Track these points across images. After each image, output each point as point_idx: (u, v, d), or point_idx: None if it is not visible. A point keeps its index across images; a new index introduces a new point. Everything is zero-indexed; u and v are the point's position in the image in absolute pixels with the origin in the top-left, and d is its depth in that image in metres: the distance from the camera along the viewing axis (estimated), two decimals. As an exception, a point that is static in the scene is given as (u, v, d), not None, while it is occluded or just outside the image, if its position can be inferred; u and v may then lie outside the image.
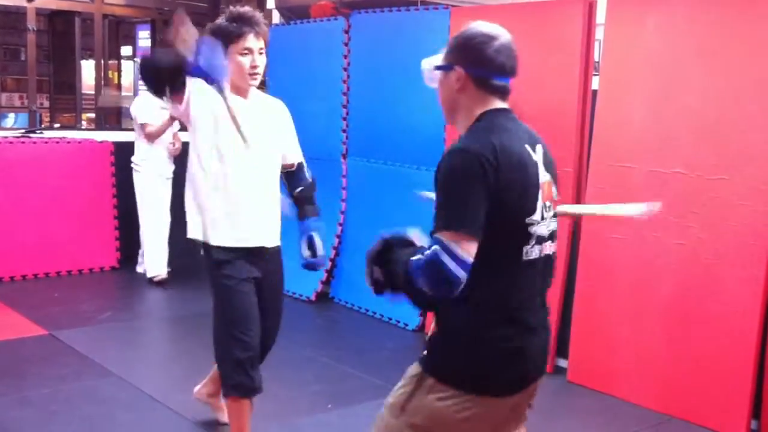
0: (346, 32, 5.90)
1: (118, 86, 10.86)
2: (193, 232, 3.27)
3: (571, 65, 4.49)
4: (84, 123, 8.75)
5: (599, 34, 4.53)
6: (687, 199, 4.03)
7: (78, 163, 6.69)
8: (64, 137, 6.91)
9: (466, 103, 2.08)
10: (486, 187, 1.89)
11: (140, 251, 6.62)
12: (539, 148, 2.07)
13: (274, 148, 3.34)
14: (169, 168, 6.36)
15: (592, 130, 4.47)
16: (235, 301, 3.19)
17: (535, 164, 2.01)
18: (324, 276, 5.98)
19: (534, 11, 4.76)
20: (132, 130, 6.63)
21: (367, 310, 5.60)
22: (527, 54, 4.66)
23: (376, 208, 5.64)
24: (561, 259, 4.56)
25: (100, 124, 8.28)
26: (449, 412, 2.01)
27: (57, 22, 10.12)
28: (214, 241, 3.19)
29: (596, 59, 4.75)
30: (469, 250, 1.87)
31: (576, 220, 4.37)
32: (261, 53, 3.17)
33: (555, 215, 2.07)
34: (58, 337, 5.01)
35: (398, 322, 5.39)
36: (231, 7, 3.23)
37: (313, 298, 6.01)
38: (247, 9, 3.19)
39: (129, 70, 10.78)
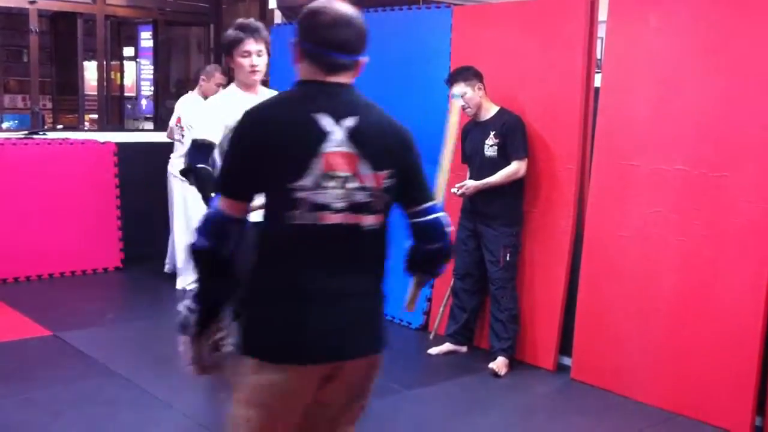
0: (348, 31, 5.90)
1: (121, 87, 10.86)
2: None
3: (574, 63, 4.49)
4: (87, 124, 8.75)
5: (601, 31, 4.53)
6: (690, 196, 4.03)
7: (81, 164, 6.69)
8: (66, 138, 6.92)
9: (300, 74, 2.13)
10: (245, 153, 2.03)
11: (169, 251, 6.57)
12: (348, 120, 2.06)
13: None
14: None
15: (594, 128, 4.47)
16: None
17: (323, 134, 2.01)
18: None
19: (536, 9, 4.75)
20: (133, 130, 6.61)
21: (371, 309, 5.61)
22: (530, 52, 4.72)
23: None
24: (564, 257, 4.56)
25: (102, 125, 8.28)
26: (260, 382, 2.05)
27: (59, 23, 10.12)
28: None
29: (598, 57, 4.75)
30: (232, 211, 2.05)
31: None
32: (260, 55, 3.76)
33: (365, 189, 2.05)
34: (62, 338, 5.01)
35: (401, 321, 5.39)
36: (237, 20, 3.85)
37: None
38: (250, 20, 3.84)
39: (131, 71, 10.78)
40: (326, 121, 2.02)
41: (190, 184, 3.65)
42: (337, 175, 2.01)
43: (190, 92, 6.41)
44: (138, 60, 10.44)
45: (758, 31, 3.80)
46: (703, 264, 3.98)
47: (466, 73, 4.56)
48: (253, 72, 3.75)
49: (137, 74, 10.55)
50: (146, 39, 9.76)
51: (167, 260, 6.61)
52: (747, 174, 3.83)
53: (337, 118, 2.04)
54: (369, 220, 2.08)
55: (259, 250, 2.08)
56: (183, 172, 3.72)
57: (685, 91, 4.07)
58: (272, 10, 7.32)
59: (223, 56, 4.04)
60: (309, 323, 2.03)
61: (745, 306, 3.82)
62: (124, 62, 10.91)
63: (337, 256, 2.07)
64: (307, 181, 1.99)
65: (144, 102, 10.38)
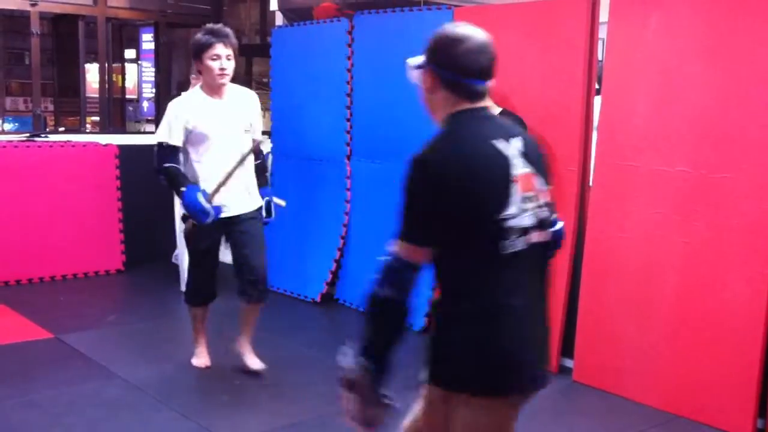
0: (350, 33, 5.90)
1: (122, 89, 10.87)
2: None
3: (575, 64, 4.49)
4: (88, 126, 8.77)
5: (602, 32, 4.52)
6: (691, 197, 4.02)
7: (83, 167, 6.69)
8: (68, 141, 6.93)
9: (438, 103, 2.11)
10: (438, 197, 1.95)
11: (176, 251, 6.56)
12: (516, 141, 2.06)
13: (244, 132, 4.19)
14: None
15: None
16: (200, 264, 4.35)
17: (506, 159, 2.02)
18: (329, 277, 5.98)
19: (537, 10, 4.75)
20: (134, 133, 6.60)
21: (372, 311, 5.61)
22: (530, 53, 4.71)
23: (380, 209, 5.64)
24: (565, 258, 4.56)
25: (104, 127, 8.29)
26: (473, 419, 2.06)
27: (61, 25, 10.16)
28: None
29: (599, 58, 4.74)
30: (416, 258, 1.99)
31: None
32: (228, 59, 3.98)
33: (546, 204, 2.11)
34: (63, 340, 5.02)
35: (403, 322, 5.38)
36: (206, 25, 4.13)
37: (318, 299, 6.00)
38: (219, 25, 4.10)
39: (133, 73, 10.79)
40: (503, 146, 2.03)
41: (162, 182, 3.84)
42: (530, 195, 2.04)
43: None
44: (139, 62, 10.45)
45: (758, 31, 3.80)
46: (705, 265, 3.98)
47: None
48: (222, 75, 3.96)
49: (139, 76, 10.56)
50: (147, 41, 9.77)
51: (176, 253, 6.57)
52: (748, 174, 3.82)
53: (506, 140, 2.05)
54: (548, 236, 2.15)
55: (459, 284, 2.05)
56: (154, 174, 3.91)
57: (685, 91, 4.06)
58: (273, 12, 7.32)
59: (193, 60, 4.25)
60: (524, 348, 2.06)
61: (746, 307, 3.81)
62: (126, 64, 10.92)
63: (533, 275, 2.12)
64: (512, 207, 2.00)
65: (145, 104, 10.39)
